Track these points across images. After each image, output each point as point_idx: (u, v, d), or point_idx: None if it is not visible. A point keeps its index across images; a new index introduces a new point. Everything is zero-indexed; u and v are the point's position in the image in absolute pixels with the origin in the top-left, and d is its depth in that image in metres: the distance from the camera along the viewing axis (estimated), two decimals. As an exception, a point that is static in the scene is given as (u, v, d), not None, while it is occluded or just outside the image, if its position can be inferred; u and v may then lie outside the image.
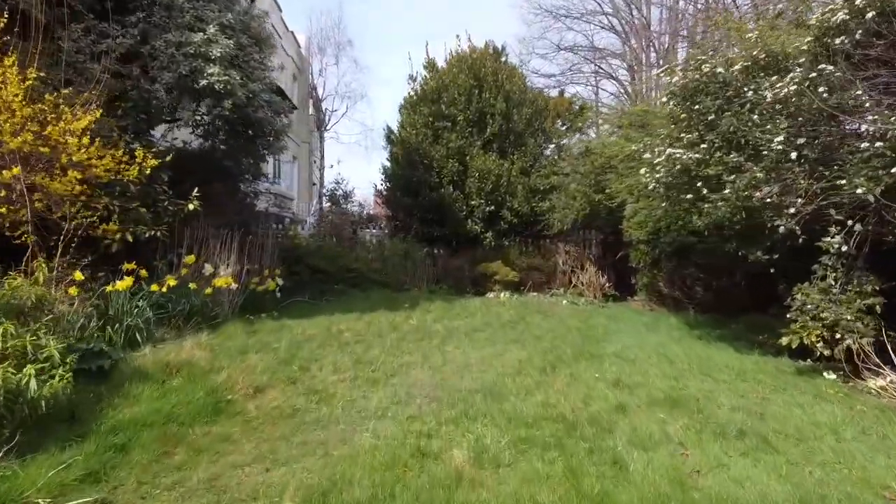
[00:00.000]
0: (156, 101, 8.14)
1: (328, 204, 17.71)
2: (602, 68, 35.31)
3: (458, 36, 16.77)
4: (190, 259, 7.66)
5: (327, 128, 35.52)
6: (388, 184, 16.60)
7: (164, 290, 6.97)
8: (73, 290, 5.79)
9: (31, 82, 6.28)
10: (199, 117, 8.64)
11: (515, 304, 13.10)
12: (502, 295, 14.33)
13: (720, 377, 6.93)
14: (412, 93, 16.78)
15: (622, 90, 33.76)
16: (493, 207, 15.34)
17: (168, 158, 8.13)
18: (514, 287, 14.87)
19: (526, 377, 6.32)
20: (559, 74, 34.36)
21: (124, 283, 6.32)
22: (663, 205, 8.77)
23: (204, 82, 7.91)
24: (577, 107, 21.80)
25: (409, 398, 5.43)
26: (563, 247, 15.78)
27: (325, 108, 35.57)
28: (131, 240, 7.09)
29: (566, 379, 6.31)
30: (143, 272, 7.16)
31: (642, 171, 9.15)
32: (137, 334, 6.07)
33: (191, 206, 7.85)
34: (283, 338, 7.22)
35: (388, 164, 16.94)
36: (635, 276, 15.90)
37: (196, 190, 7.97)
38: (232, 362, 5.80)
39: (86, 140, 6.29)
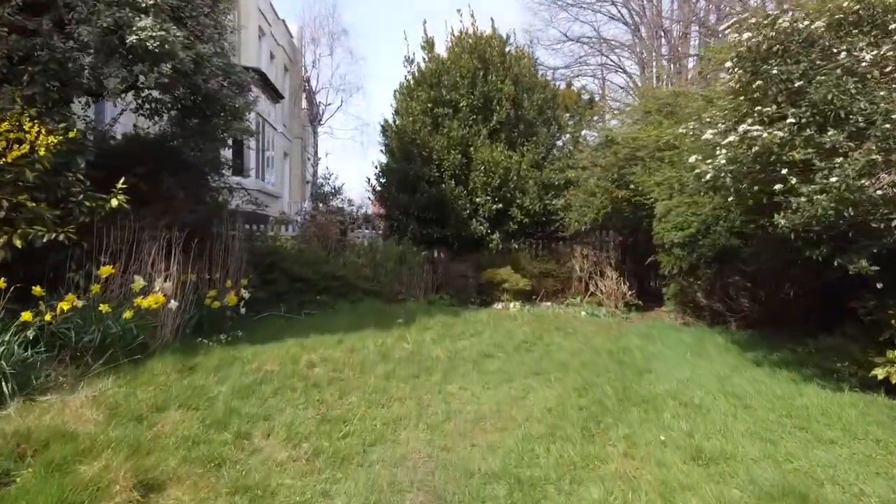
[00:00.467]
0: (72, 64, 6.25)
1: (312, 202, 15.81)
2: (611, 60, 33.50)
3: (459, 11, 14.87)
4: (105, 270, 5.75)
5: (321, 122, 33.64)
6: (382, 179, 14.71)
7: (50, 317, 5.06)
8: None
9: None
10: (137, 91, 6.75)
11: (528, 318, 11.22)
12: (512, 305, 12.44)
13: (824, 434, 5.05)
14: (409, 76, 14.89)
15: (630, 83, 31.94)
16: (500, 205, 13.44)
17: (88, 140, 6.27)
18: (526, 296, 12.98)
19: (564, 443, 4.43)
20: (564, 67, 32.50)
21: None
22: (729, 199, 6.87)
23: (132, 39, 6.02)
24: (586, 99, 19.99)
25: (394, 494, 3.55)
26: (579, 250, 13.90)
27: (319, 102, 33.72)
28: (20, 244, 5.19)
29: (622, 445, 4.43)
30: (38, 290, 5.27)
31: (691, 159, 7.28)
32: (2, 384, 4.20)
33: (114, 202, 5.96)
34: (229, 378, 5.32)
35: (382, 157, 15.09)
36: (660, 283, 14.06)
37: (122, 181, 6.08)
38: (132, 431, 3.90)
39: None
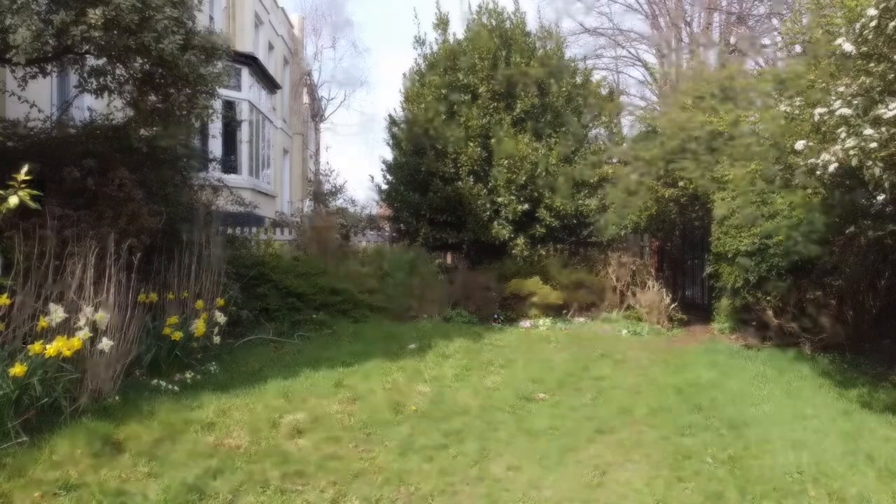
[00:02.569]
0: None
1: (312, 202, 14.02)
2: (629, 52, 31.64)
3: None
4: (-2, 301, 3.94)
5: (323, 118, 31.86)
6: (388, 176, 12.92)
7: None
8: None
9: None
10: (76, 59, 4.94)
11: (564, 340, 9.43)
12: (542, 323, 10.64)
13: None
14: (420, 60, 13.11)
15: (647, 78, 30.12)
16: (526, 206, 11.63)
17: None
18: (556, 310, 11.19)
19: None
20: (580, 59, 30.65)
21: None
22: (880, 196, 5.09)
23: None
24: (605, 91, 18.17)
25: None
26: (615, 257, 12.10)
27: (321, 97, 31.94)
28: None
29: None
30: None
31: (798, 144, 5.52)
32: None
33: (12, 200, 4.16)
34: (168, 466, 3.49)
35: (388, 152, 13.31)
36: (705, 294, 12.28)
37: (26, 170, 4.28)
38: None
39: None
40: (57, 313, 4.39)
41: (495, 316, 10.60)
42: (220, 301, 7.17)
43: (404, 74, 12.86)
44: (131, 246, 6.42)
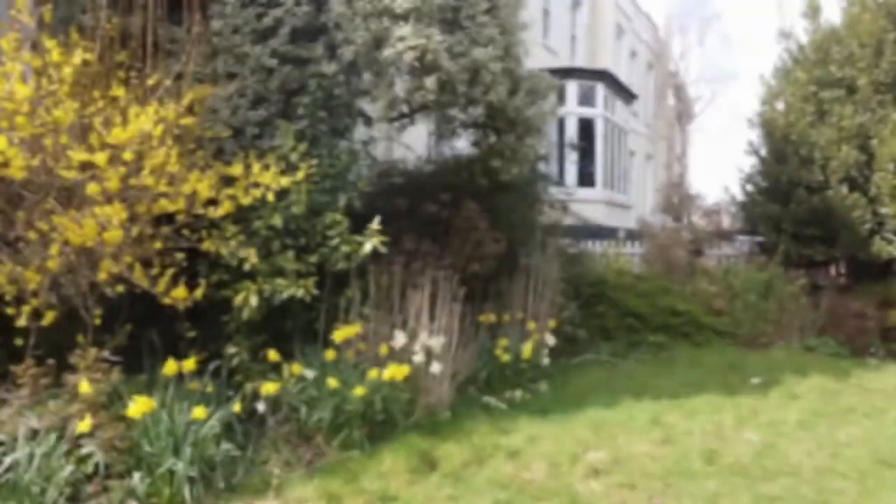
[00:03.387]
0: (337, 90, 5.62)
1: (662, 213, 13.68)
2: None
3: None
4: (342, 334, 4.84)
5: (691, 119, 30.64)
6: (747, 187, 11.95)
7: (275, 388, 4.30)
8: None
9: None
10: (400, 109, 5.89)
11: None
12: (937, 361, 8.73)
13: None
14: (784, 55, 11.83)
15: None
16: (921, 217, 9.67)
17: (360, 168, 5.59)
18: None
19: None
20: None
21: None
22: None
23: (389, 52, 5.11)
24: None
25: None
26: None
27: (689, 97, 30.74)
28: (254, 303, 4.60)
29: None
30: (273, 354, 4.64)
31: None
32: (186, 488, 3.49)
33: (367, 247, 5.10)
34: (465, 490, 3.91)
35: (747, 160, 12.30)
36: None
37: (377, 220, 5.19)
38: None
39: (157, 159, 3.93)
40: (399, 339, 5.22)
41: (872, 349, 9.03)
42: (551, 323, 7.56)
43: (762, 76, 11.74)
44: (474, 272, 7.28)
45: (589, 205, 15.34)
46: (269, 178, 4.44)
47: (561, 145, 15.93)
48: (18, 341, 3.89)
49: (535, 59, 15.78)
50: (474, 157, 7.50)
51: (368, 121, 6.21)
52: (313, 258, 5.18)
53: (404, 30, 5.07)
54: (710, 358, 8.48)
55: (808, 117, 10.63)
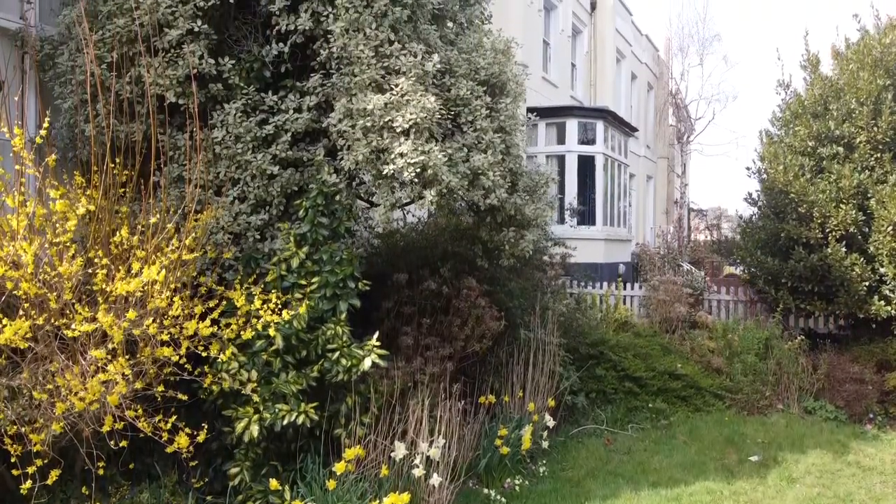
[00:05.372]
0: (339, 196, 5.68)
1: (657, 249, 13.67)
2: None
3: (856, 16, 11.37)
4: (342, 466, 4.87)
5: (690, 139, 30.69)
6: (743, 238, 12.00)
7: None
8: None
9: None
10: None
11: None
12: (937, 429, 8.77)
13: None
14: (783, 106, 11.89)
15: None
16: (918, 279, 9.70)
17: (357, 277, 5.64)
18: (960, 411, 9.10)
19: None
20: None
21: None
22: None
23: (389, 169, 5.16)
24: None
25: None
26: None
27: (689, 116, 30.77)
28: (256, 434, 4.65)
29: None
30: (274, 483, 4.69)
31: None
32: None
33: (367, 363, 5.16)
34: None
35: (744, 206, 12.35)
36: None
37: (376, 336, 5.25)
38: None
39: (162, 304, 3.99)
40: (399, 450, 5.27)
41: (870, 415, 9.06)
42: (551, 402, 7.62)
43: (760, 132, 11.78)
44: (474, 351, 7.34)
45: (589, 243, 15.39)
46: (272, 317, 4.48)
47: (562, 184, 16.01)
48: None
49: (536, 93, 15.92)
50: (475, 234, 7.54)
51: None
52: (314, 372, 5.24)
53: (404, 146, 5.13)
54: (709, 428, 8.52)
55: (806, 174, 10.67)
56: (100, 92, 4.98)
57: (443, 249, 8.19)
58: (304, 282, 5.30)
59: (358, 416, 5.43)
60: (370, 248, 8.07)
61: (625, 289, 13.53)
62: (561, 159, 15.89)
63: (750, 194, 12.00)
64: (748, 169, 12.20)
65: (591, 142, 15.93)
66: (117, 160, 4.66)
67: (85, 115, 5.45)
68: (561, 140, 15.85)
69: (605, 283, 13.59)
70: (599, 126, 15.92)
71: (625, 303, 13.01)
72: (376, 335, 5.29)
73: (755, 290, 11.62)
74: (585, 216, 15.98)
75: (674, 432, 8.43)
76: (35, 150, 4.69)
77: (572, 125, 15.69)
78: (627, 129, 17.86)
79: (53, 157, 4.08)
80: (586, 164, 15.91)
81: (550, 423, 7.39)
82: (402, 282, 7.26)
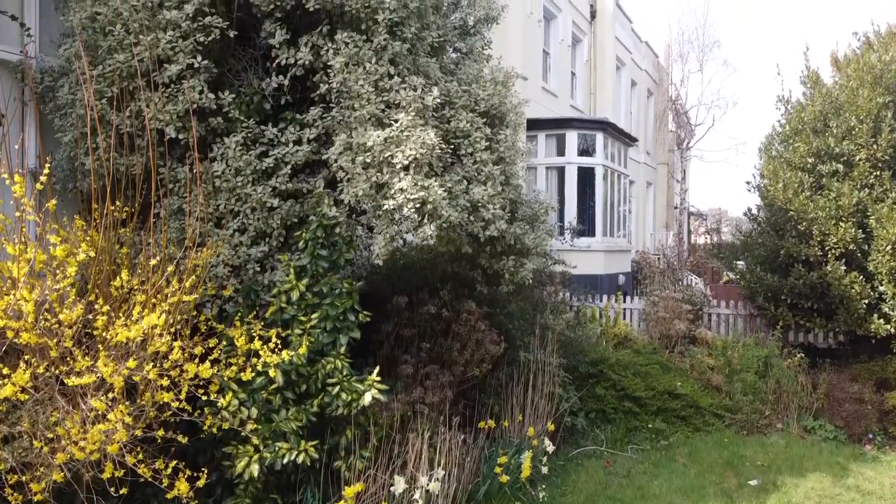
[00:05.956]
0: (339, 229, 5.69)
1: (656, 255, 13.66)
2: None
3: (856, 34, 11.40)
4: (353, 490, 4.90)
5: (689, 145, 30.71)
6: (743, 254, 12.02)
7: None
8: None
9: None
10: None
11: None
12: (937, 450, 8.78)
13: None
14: (782, 122, 11.90)
15: None
16: (918, 297, 9.72)
17: (356, 310, 5.66)
18: (959, 431, 9.10)
19: None
20: None
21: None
22: None
23: (389, 205, 5.17)
24: None
25: None
26: None
27: (689, 122, 30.79)
28: (256, 473, 4.66)
29: None
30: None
31: None
32: None
33: (367, 397, 5.17)
34: None
35: (745, 222, 12.35)
36: None
37: (377, 370, 5.27)
38: None
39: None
40: (399, 485, 5.28)
41: (870, 435, 9.07)
42: (550, 426, 7.63)
43: (760, 148, 11.79)
44: (474, 375, 7.36)
45: (589, 255, 15.41)
46: (273, 358, 4.49)
47: (561, 195, 16.03)
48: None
49: (536, 103, 15.93)
50: (475, 260, 7.54)
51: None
52: (314, 407, 5.24)
53: (404, 182, 5.13)
54: (708, 449, 8.52)
55: (805, 190, 10.68)
56: (99, 126, 4.99)
57: (442, 270, 8.20)
58: (304, 318, 5.31)
59: (358, 449, 5.43)
60: (370, 267, 8.08)
61: (624, 301, 13.54)
62: (561, 171, 15.90)
63: (750, 210, 12.03)
64: (748, 183, 12.22)
65: (591, 153, 15.94)
66: (118, 202, 4.66)
67: (85, 148, 5.46)
68: (561, 152, 15.85)
69: (604, 297, 13.60)
70: (599, 138, 15.93)
71: (624, 317, 13.03)
72: (377, 370, 5.29)
73: (755, 305, 11.63)
74: (585, 227, 15.98)
75: (673, 454, 8.44)
76: (36, 194, 4.70)
77: (572, 137, 15.70)
78: (627, 139, 17.87)
79: (54, 202, 4.07)
80: (586, 176, 15.92)
81: (550, 448, 7.39)
82: (402, 304, 7.28)
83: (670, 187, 31.67)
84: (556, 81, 18.58)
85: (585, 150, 15.91)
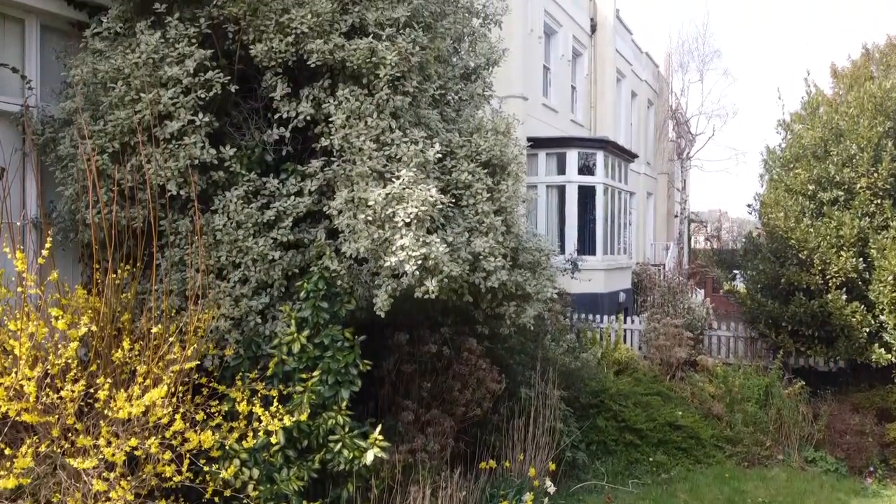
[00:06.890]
0: (340, 281, 5.69)
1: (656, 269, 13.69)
2: None
3: (854, 61, 11.41)
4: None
5: (689, 155, 30.72)
6: (742, 278, 12.03)
7: None
8: None
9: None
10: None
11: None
12: (940, 485, 8.77)
13: None
14: (782, 146, 11.91)
15: None
16: (919, 328, 9.72)
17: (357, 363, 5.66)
18: (961, 463, 9.10)
19: None
20: None
21: None
22: None
23: (390, 262, 5.17)
24: None
25: None
26: None
27: (689, 132, 30.80)
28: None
29: None
30: None
31: None
32: None
33: (369, 456, 5.17)
34: None
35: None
36: None
37: (379, 429, 5.27)
38: None
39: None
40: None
41: (871, 468, 9.07)
42: (552, 465, 7.62)
43: (760, 174, 11.81)
44: (475, 415, 7.36)
45: (590, 273, 15.40)
46: (275, 424, 4.49)
47: (562, 214, 16.04)
48: None
49: (537, 120, 15.95)
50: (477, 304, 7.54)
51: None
52: (315, 463, 5.24)
53: (406, 238, 5.13)
54: (710, 485, 8.50)
55: (806, 217, 10.69)
56: (99, 181, 5.00)
57: (443, 304, 8.20)
58: (305, 375, 5.31)
59: (359, 502, 5.43)
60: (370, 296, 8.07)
61: (625, 322, 13.57)
62: (561, 189, 15.90)
63: (750, 233, 12.03)
64: (749, 206, 12.25)
65: (592, 172, 15.95)
66: (119, 263, 4.66)
67: (86, 202, 5.45)
68: (561, 170, 15.86)
69: (605, 317, 13.62)
70: (600, 156, 15.94)
71: (625, 339, 13.05)
72: (378, 429, 5.29)
73: (755, 329, 11.64)
74: (585, 246, 15.98)
75: (674, 489, 8.42)
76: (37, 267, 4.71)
77: (573, 156, 15.70)
78: (628, 156, 17.88)
79: (55, 274, 4.07)
80: (587, 195, 15.93)
81: (551, 489, 7.37)
82: (403, 341, 7.28)
83: (670, 197, 31.68)
84: (557, 97, 18.59)
85: (586, 169, 15.92)
